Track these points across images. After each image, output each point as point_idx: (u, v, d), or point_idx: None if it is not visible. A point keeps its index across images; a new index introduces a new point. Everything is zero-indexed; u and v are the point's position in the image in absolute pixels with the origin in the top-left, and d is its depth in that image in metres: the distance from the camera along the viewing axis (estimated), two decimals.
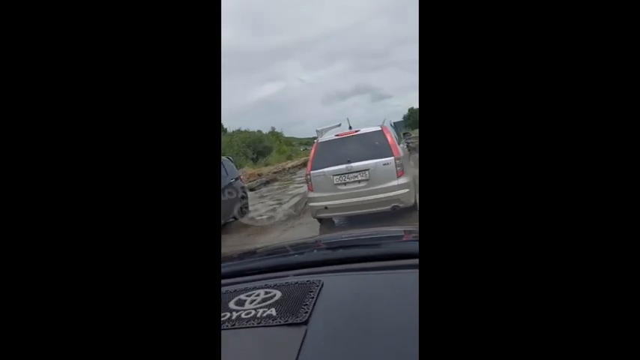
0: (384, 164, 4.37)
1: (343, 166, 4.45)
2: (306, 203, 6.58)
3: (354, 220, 4.57)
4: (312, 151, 4.86)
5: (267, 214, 6.83)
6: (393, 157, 4.37)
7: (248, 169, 15.53)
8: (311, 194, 4.71)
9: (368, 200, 4.33)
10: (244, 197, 7.14)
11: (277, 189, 10.91)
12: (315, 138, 5.07)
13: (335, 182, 4.49)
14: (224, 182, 6.10)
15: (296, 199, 7.93)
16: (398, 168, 4.35)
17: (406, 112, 59.21)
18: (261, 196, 9.62)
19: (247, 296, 0.69)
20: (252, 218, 6.70)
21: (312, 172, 4.64)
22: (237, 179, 6.99)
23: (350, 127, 5.01)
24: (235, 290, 0.73)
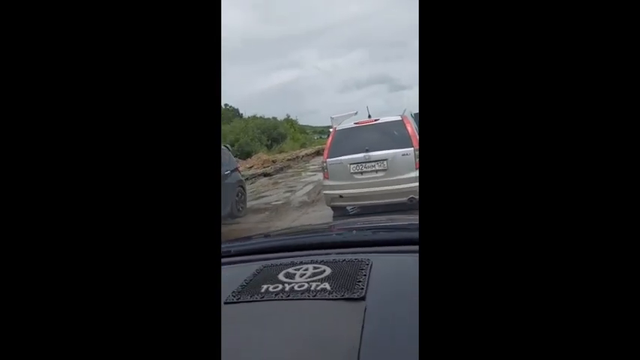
0: (403, 155, 4.29)
1: (361, 155, 4.35)
2: (319, 192, 6.60)
3: (368, 210, 4.52)
4: (330, 139, 4.78)
5: (282, 200, 6.86)
6: (412, 148, 4.28)
7: (262, 155, 15.61)
8: (326, 182, 4.64)
9: (384, 191, 4.26)
10: (241, 193, 6.23)
11: (291, 176, 10.94)
12: (329, 127, 5.02)
13: (352, 171, 4.41)
14: None
15: (309, 187, 7.95)
16: (417, 159, 4.28)
17: None
18: (275, 182, 9.67)
19: (295, 270, 0.68)
20: (268, 203, 6.73)
21: (328, 159, 4.56)
22: (233, 171, 6.09)
23: (369, 116, 4.90)
24: (281, 264, 0.72)
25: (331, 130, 5.05)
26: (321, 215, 5.24)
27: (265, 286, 0.63)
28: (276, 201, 6.87)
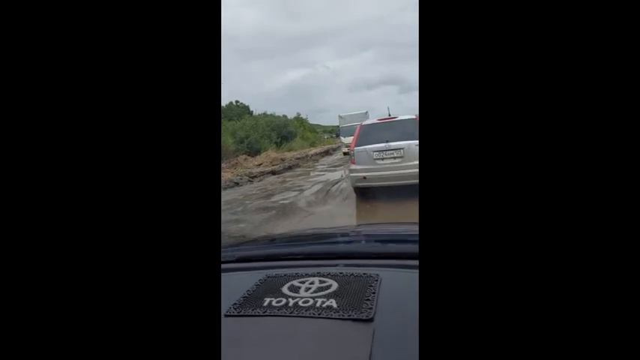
0: (417, 145, 4.98)
1: (382, 145, 5.23)
2: (327, 191, 6.56)
3: (391, 191, 5.20)
4: (357, 131, 5.74)
5: (290, 199, 6.67)
6: None
7: (271, 153, 15.56)
8: (353, 166, 5.52)
9: (401, 174, 5.07)
10: None
11: (299, 175, 10.83)
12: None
13: (374, 157, 5.28)
14: None
15: (317, 187, 7.77)
16: None
17: None
18: (284, 181, 9.54)
19: (300, 283, 0.65)
20: (275, 201, 6.55)
21: (355, 148, 5.48)
22: None
23: (389, 115, 6.19)
24: (285, 275, 0.69)
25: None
26: (327, 214, 5.26)
27: (268, 300, 0.60)
28: (283, 200, 6.68)
